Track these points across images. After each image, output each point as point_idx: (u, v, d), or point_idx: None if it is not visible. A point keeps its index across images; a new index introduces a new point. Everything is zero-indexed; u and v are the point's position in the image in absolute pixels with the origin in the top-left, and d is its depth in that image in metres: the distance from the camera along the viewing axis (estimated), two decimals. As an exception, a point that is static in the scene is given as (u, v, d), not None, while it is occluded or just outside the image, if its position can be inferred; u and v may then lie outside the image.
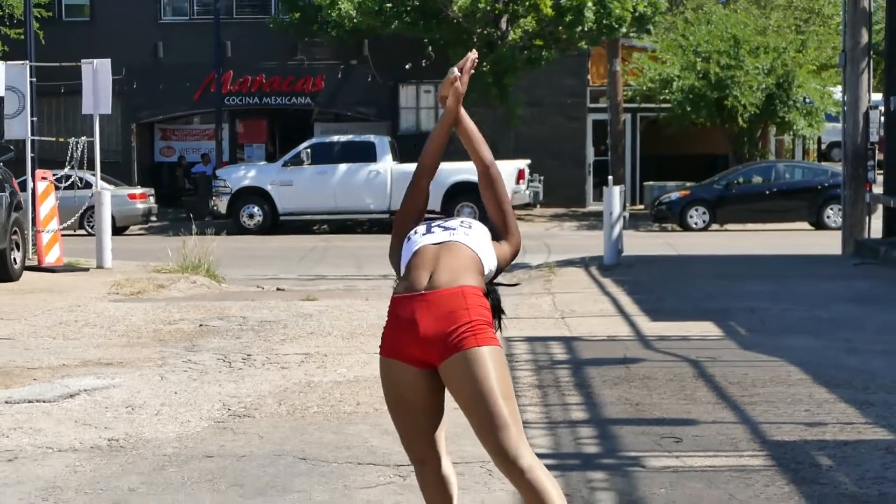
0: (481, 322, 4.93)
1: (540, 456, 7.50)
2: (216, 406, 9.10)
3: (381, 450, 7.65)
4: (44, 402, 9.27)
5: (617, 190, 20.15)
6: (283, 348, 11.72)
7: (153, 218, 35.57)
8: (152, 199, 35.31)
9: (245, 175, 34.55)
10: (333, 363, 10.83)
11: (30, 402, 9.28)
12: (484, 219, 5.49)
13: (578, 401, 9.06)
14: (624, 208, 20.74)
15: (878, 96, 25.87)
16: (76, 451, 7.80)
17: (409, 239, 5.21)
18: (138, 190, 35.32)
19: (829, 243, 24.49)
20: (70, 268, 19.74)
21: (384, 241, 5.60)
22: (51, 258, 19.67)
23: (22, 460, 7.60)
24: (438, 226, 5.21)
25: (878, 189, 22.87)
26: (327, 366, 10.72)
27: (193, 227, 22.16)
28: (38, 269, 19.31)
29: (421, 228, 5.23)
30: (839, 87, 40.43)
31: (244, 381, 10.09)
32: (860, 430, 7.98)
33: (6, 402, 9.22)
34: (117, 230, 32.77)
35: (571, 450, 7.65)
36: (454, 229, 5.18)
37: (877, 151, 22.68)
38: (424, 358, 4.98)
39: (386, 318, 5.12)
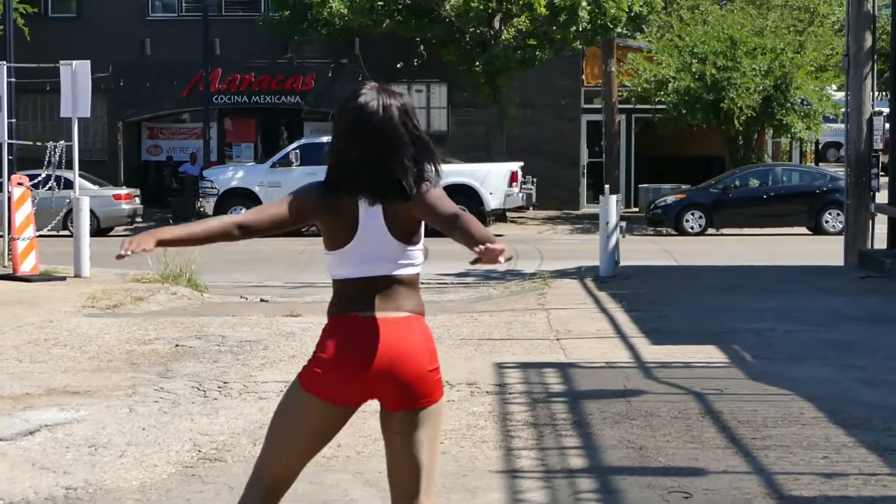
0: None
1: (536, 514, 6.89)
2: (186, 446, 8.43)
3: (362, 506, 6.99)
4: (1, 440, 8.60)
5: (613, 199, 19.50)
6: (261, 375, 11.04)
7: (139, 219, 34.92)
8: (138, 200, 34.67)
9: (232, 176, 33.88)
10: (315, 393, 10.14)
11: (-14, 439, 8.62)
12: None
13: (576, 443, 8.39)
14: (621, 218, 20.04)
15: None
16: (28, 504, 7.13)
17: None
18: (123, 190, 34.67)
19: (829, 250, 23.87)
20: (46, 277, 19.01)
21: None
22: (26, 266, 18.93)
23: (-32, 514, 6.95)
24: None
25: (881, 197, 22.24)
26: (308, 396, 10.03)
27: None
28: (12, 278, 18.59)
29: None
30: (835, 87, 40.24)
31: (218, 414, 9.42)
32: (885, 483, 7.32)
33: (-41, 441, 8.55)
34: (102, 231, 32.21)
35: (570, 507, 6.99)
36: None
37: (880, 158, 22.06)
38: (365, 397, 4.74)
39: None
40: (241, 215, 4.76)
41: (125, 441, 8.59)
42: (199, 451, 8.31)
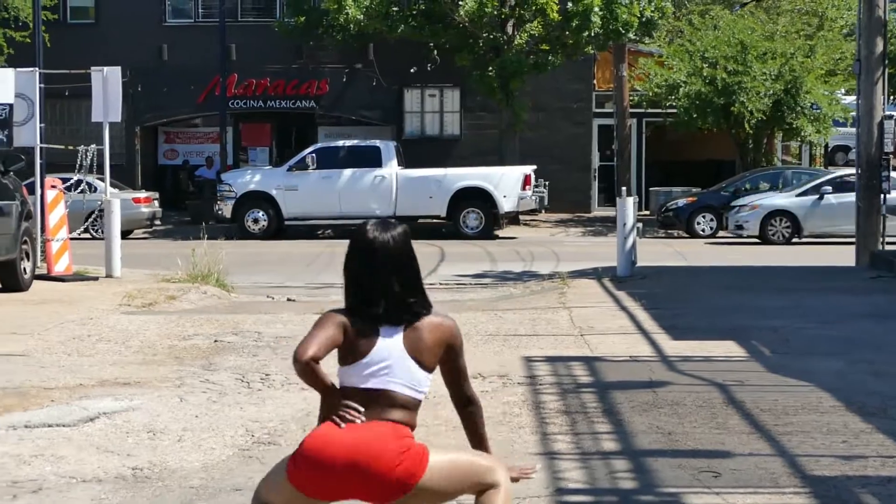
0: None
1: (575, 491, 7.41)
2: (239, 432, 8.94)
3: (413, 483, 7.49)
4: (63, 426, 9.10)
5: (630, 200, 19.99)
6: (301, 367, 11.54)
7: (157, 222, 35.43)
8: (157, 203, 35.18)
9: (250, 179, 34.37)
10: (354, 384, 10.65)
11: (49, 426, 9.11)
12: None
13: (608, 429, 8.89)
14: (637, 219, 20.55)
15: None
16: (101, 482, 7.63)
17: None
18: (143, 194, 35.19)
19: (838, 252, 24.34)
20: (79, 277, 19.57)
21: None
22: (60, 267, 19.50)
23: (46, 491, 7.43)
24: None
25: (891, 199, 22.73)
26: (348, 387, 10.54)
27: (204, 234, 21.99)
28: (47, 278, 19.13)
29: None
30: (843, 91, 40.67)
31: (265, 403, 9.93)
32: (902, 464, 7.84)
33: (25, 427, 9.05)
34: (122, 234, 32.61)
35: (607, 485, 7.48)
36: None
37: (891, 160, 22.54)
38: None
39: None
40: (310, 351, 4.96)
41: (181, 427, 9.09)
42: (253, 435, 8.82)
